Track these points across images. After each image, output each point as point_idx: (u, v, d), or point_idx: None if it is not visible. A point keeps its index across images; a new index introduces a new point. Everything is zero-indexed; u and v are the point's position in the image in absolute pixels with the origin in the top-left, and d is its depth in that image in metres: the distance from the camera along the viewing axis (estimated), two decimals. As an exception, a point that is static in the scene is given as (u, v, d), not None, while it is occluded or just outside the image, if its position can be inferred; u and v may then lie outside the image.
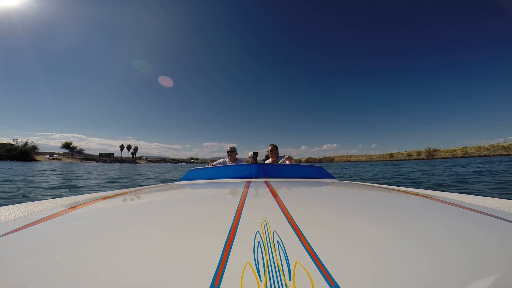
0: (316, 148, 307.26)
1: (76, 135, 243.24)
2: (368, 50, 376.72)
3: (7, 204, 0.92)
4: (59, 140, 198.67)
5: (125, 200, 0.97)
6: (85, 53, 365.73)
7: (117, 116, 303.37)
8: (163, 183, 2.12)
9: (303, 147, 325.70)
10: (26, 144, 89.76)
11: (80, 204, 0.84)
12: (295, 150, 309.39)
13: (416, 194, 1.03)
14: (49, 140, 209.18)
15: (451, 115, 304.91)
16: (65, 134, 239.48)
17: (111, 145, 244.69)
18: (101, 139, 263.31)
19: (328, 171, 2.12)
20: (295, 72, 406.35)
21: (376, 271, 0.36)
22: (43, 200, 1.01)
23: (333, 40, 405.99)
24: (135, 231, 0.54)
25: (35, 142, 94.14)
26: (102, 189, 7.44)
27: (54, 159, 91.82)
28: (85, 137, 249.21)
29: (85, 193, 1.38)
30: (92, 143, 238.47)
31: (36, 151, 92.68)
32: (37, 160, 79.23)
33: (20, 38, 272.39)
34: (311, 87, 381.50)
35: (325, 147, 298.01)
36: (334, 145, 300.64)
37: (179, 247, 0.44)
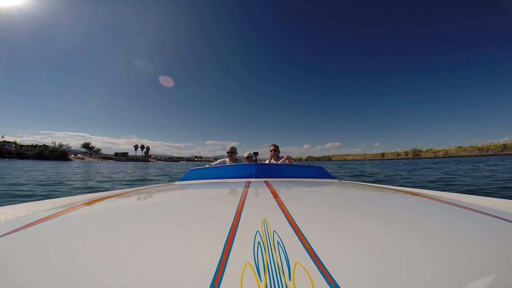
0: (319, 147, 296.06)
1: (79, 133, 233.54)
2: (371, 49, 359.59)
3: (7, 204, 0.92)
4: (63, 139, 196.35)
5: (125, 200, 0.96)
6: (87, 52, 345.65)
7: (120, 114, 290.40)
8: (164, 183, 2.11)
9: (305, 146, 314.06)
10: (61, 146, 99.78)
11: (80, 204, 0.83)
12: (298, 149, 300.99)
13: (416, 194, 1.01)
14: (53, 138, 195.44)
15: (455, 114, 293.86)
16: (69, 133, 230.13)
17: (115, 143, 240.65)
18: (104, 137, 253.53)
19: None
20: (298, 71, 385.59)
21: (376, 271, 0.35)
22: (43, 200, 1.02)
23: (336, 40, 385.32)
24: (135, 231, 0.53)
25: (39, 140, 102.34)
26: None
27: (78, 158, 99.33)
28: (88, 135, 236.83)
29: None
30: (95, 142, 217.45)
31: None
32: (70, 160, 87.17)
33: (23, 38, 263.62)
34: (314, 86, 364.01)
35: (328, 145, 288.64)
36: (337, 143, 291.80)
37: (179, 247, 0.43)
